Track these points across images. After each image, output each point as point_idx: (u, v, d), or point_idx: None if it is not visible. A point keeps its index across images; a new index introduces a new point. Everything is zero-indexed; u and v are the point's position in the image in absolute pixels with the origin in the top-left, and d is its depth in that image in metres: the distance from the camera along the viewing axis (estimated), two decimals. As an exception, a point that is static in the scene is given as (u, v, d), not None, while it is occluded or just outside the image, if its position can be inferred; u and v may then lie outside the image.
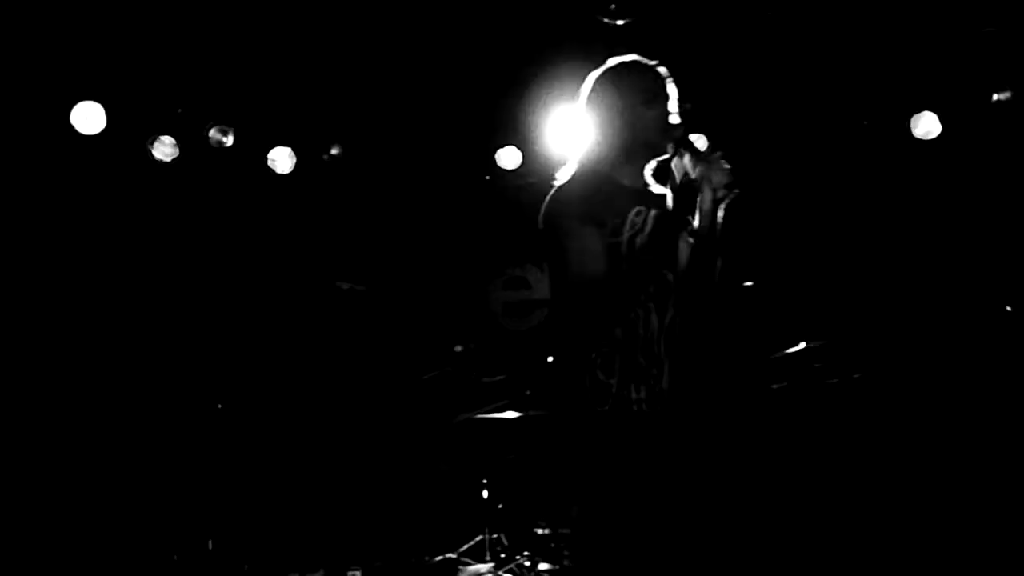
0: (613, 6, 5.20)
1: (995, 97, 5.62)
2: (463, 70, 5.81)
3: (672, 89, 2.85)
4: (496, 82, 5.95)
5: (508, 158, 6.17)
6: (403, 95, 5.95)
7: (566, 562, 5.12)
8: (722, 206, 2.67)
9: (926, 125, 5.74)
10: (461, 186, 6.43)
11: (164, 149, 5.94)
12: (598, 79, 2.90)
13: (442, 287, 6.56)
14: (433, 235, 6.53)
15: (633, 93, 2.82)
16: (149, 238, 6.11)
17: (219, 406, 5.72)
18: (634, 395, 2.69)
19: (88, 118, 5.54)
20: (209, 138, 5.95)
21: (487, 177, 6.29)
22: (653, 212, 2.77)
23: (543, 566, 5.16)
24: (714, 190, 2.66)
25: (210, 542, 5.40)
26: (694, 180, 2.70)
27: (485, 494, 5.45)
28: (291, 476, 6.00)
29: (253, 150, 6.07)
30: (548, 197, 2.90)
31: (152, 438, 5.78)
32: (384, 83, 5.87)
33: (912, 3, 5.24)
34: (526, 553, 5.27)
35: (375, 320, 6.39)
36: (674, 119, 2.83)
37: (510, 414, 5.46)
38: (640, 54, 2.93)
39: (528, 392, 5.45)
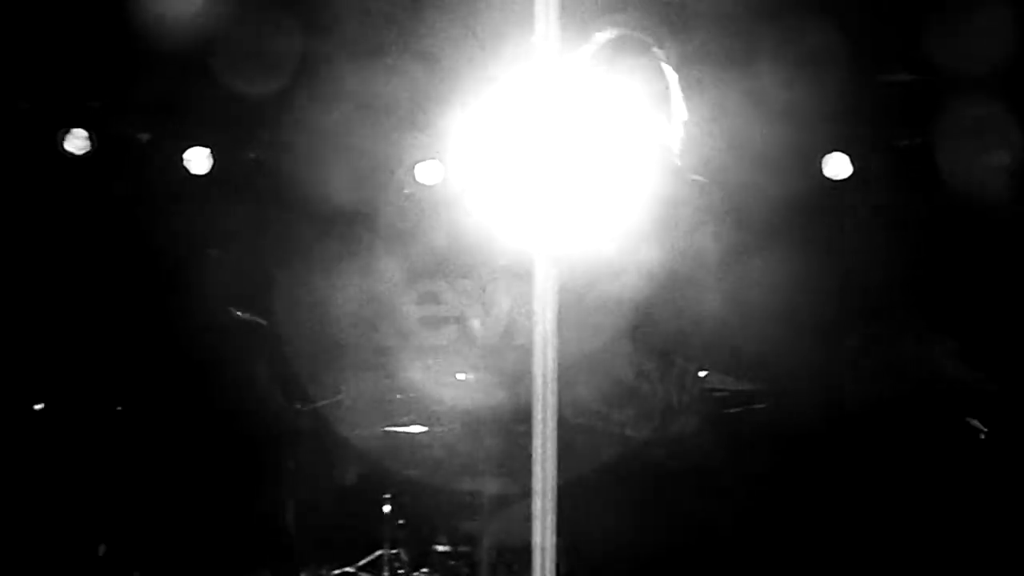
0: None
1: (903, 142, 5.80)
2: (384, 78, 5.81)
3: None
4: (419, 94, 5.95)
5: (428, 173, 6.17)
6: (321, 105, 5.92)
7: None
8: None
9: (836, 165, 5.89)
10: (378, 199, 6.40)
11: (76, 142, 5.83)
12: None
13: (353, 300, 6.51)
14: (349, 248, 6.48)
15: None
16: (54, 232, 5.98)
17: (118, 408, 5.62)
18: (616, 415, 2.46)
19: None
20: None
21: (406, 191, 6.28)
22: None
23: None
24: None
25: (101, 548, 5.30)
26: None
27: (387, 509, 5.42)
28: (188, 484, 5.90)
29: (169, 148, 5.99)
30: None
31: (45, 441, 5.63)
32: (304, 92, 5.84)
33: (825, 44, 5.38)
34: (424, 570, 5.26)
35: (284, 329, 6.32)
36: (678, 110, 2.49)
37: (416, 428, 5.44)
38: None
39: (433, 408, 5.45)
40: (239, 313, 5.80)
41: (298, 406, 5.67)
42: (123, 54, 5.54)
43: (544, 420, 2.94)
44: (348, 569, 5.38)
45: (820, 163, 5.94)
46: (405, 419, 5.54)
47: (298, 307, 6.36)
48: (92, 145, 5.78)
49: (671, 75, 2.53)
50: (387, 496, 5.43)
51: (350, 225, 6.43)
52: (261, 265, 6.34)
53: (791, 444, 5.77)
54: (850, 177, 5.92)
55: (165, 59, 5.57)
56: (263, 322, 5.93)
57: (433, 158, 6.11)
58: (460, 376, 5.79)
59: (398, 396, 5.80)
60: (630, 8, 2.68)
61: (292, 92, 5.89)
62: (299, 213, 6.35)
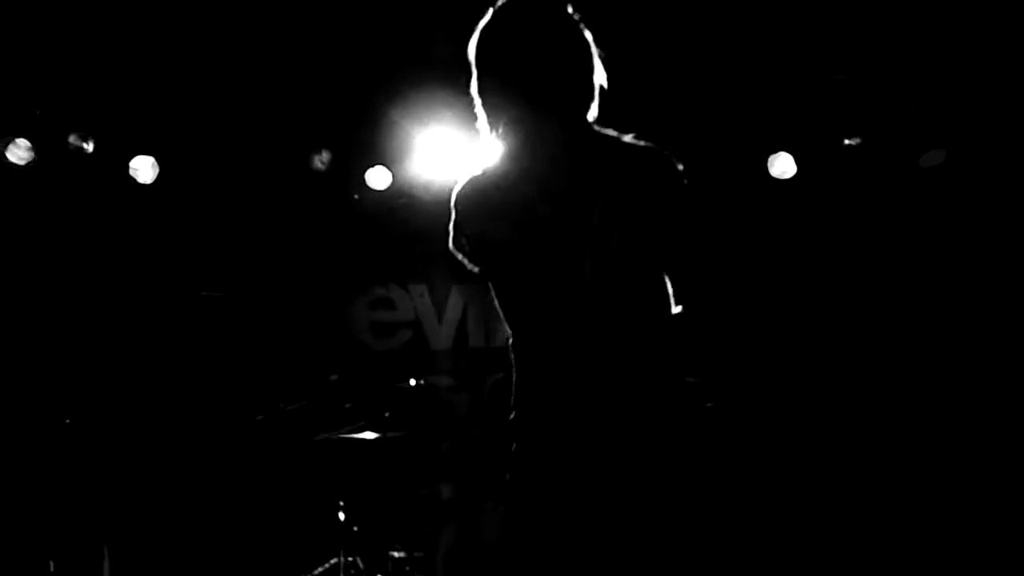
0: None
1: (846, 142, 5.89)
2: (335, 85, 5.80)
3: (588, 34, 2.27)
4: (367, 101, 5.95)
5: (377, 178, 6.16)
6: (270, 110, 5.90)
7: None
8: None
9: (782, 165, 5.96)
10: (329, 205, 6.38)
11: (19, 152, 5.74)
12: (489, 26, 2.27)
13: (307, 305, 6.48)
14: (299, 253, 6.45)
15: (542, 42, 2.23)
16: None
17: (67, 421, 5.54)
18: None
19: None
20: (69, 144, 5.78)
21: (356, 196, 6.26)
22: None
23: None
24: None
25: (51, 564, 5.23)
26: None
27: (342, 516, 5.40)
28: (141, 495, 5.84)
29: (114, 158, 5.92)
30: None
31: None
32: (253, 94, 5.81)
33: (769, 47, 5.46)
34: (379, 576, 5.26)
35: (237, 336, 6.28)
36: (599, 76, 2.26)
37: (368, 435, 5.43)
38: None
39: (387, 414, 5.44)
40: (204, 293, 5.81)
41: (257, 415, 5.64)
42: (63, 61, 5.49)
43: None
44: (304, 577, 5.36)
45: (765, 163, 6.02)
46: (358, 425, 5.52)
47: (251, 317, 6.33)
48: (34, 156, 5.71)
49: (588, 37, 2.25)
50: (341, 503, 5.41)
51: (299, 230, 6.40)
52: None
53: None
54: (795, 177, 6.01)
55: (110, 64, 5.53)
56: (221, 295, 5.92)
57: (380, 163, 6.10)
58: (412, 381, 5.79)
59: (347, 404, 5.78)
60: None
61: (238, 99, 5.86)
62: (251, 218, 6.32)
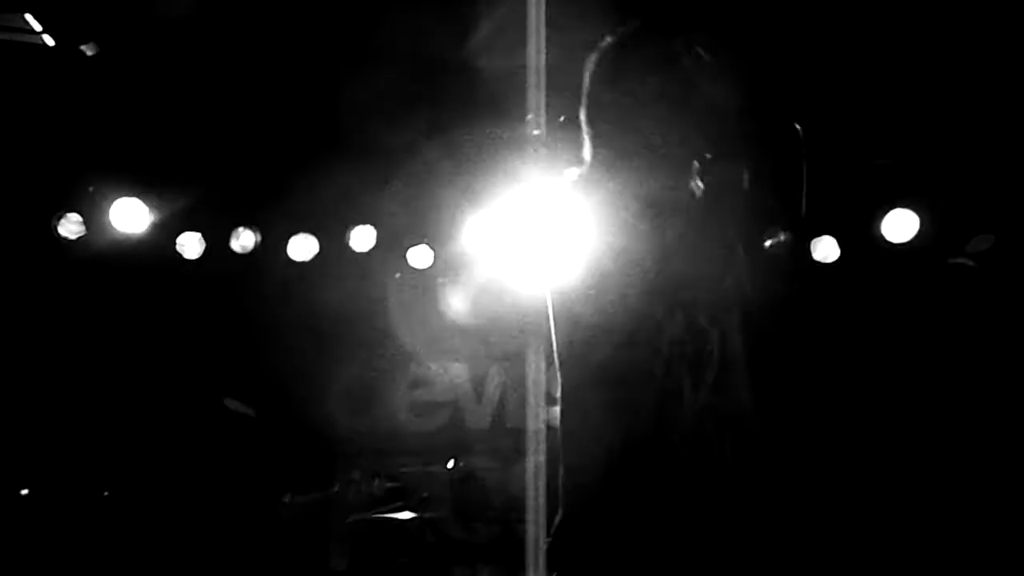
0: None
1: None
2: (376, 164, 5.87)
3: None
4: (411, 181, 6.01)
5: (419, 257, 6.19)
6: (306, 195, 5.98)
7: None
8: None
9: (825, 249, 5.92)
10: (370, 281, 6.41)
11: (70, 227, 5.86)
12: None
13: (346, 383, 6.48)
14: (343, 332, 6.47)
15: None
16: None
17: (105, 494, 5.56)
18: None
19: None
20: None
21: (397, 274, 6.29)
22: None
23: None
24: None
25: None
26: None
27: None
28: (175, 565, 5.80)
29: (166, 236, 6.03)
30: None
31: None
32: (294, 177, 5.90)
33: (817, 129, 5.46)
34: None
35: (272, 414, 6.28)
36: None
37: (405, 515, 5.38)
38: None
39: (425, 495, 5.39)
40: (231, 402, 5.78)
41: (287, 498, 5.60)
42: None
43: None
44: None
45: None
46: (396, 505, 5.47)
47: (290, 393, 6.34)
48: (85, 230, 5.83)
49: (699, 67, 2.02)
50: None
51: (341, 310, 6.43)
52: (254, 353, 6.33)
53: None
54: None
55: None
56: (251, 412, 5.90)
57: (424, 242, 6.13)
58: (451, 463, 5.75)
59: (388, 484, 5.74)
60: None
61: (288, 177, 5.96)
62: (289, 302, 6.36)
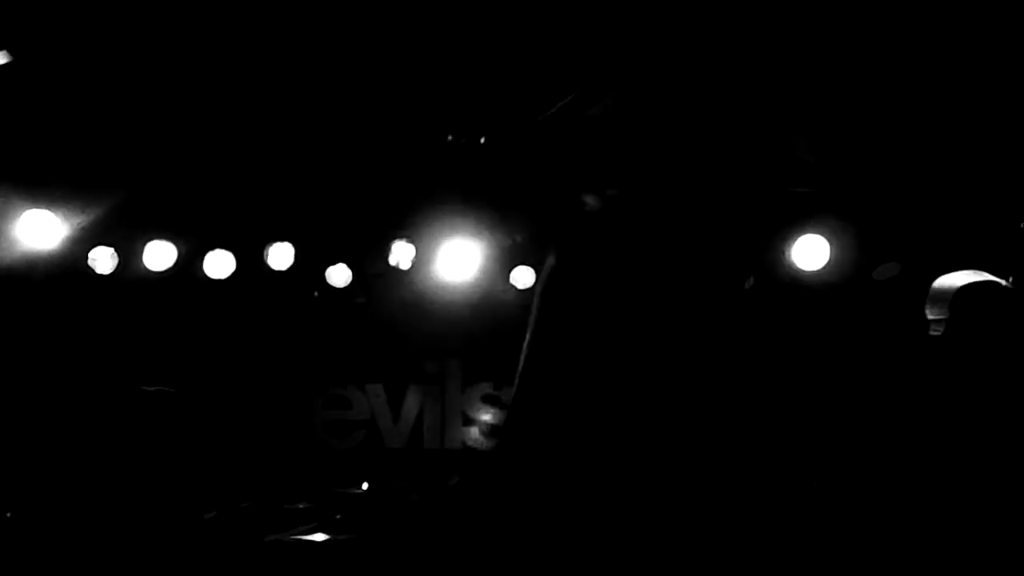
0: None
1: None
2: (300, 177, 5.85)
3: None
4: (330, 196, 5.99)
5: (338, 276, 6.16)
6: (229, 201, 5.93)
7: None
8: None
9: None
10: (287, 301, 6.36)
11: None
12: None
13: (262, 403, 6.41)
14: (255, 350, 6.41)
15: None
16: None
17: (7, 514, 5.40)
18: None
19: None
20: None
21: (315, 294, 6.25)
22: None
23: None
24: None
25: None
26: None
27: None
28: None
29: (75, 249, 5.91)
30: None
31: None
32: (210, 184, 5.85)
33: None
34: None
35: (189, 432, 6.18)
36: None
37: (319, 536, 5.32)
38: None
39: (339, 516, 5.35)
40: (149, 388, 5.69)
41: (205, 514, 5.51)
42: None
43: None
44: None
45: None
46: (309, 526, 5.42)
47: (205, 413, 6.24)
48: None
49: None
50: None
51: (256, 326, 6.37)
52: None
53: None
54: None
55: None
56: (171, 390, 5.81)
57: (342, 261, 6.11)
58: (365, 485, 5.72)
59: (300, 505, 5.68)
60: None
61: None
62: (208, 313, 6.28)
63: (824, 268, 6.01)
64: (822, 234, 5.99)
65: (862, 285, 6.12)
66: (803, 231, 6.01)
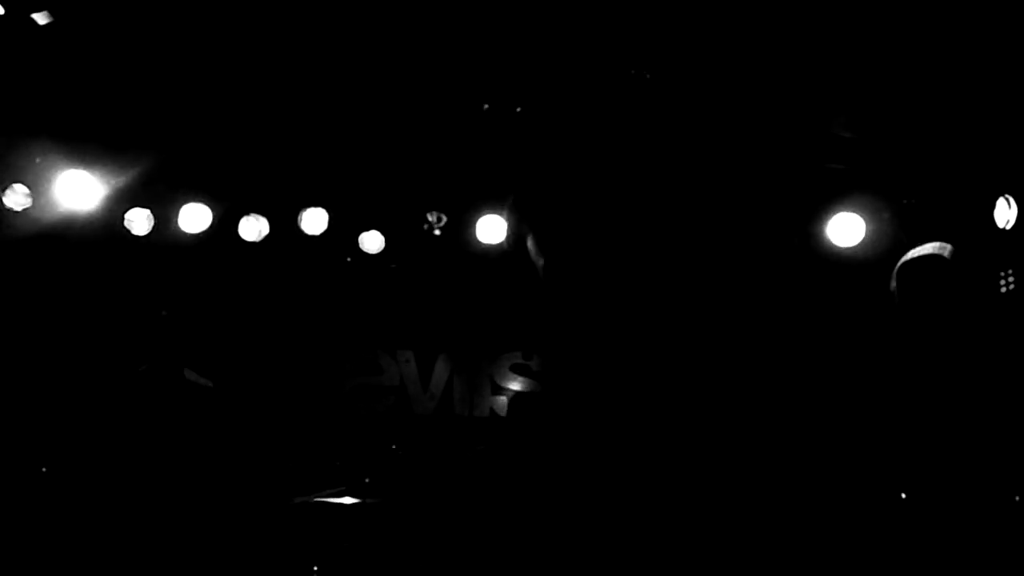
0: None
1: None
2: (329, 146, 5.86)
3: None
4: (363, 164, 6.00)
5: (371, 241, 6.18)
6: (264, 165, 5.95)
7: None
8: None
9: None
10: (322, 267, 6.39)
11: (16, 198, 5.78)
12: None
13: (293, 367, 6.46)
14: (287, 314, 6.44)
15: None
16: None
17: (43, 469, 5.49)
18: None
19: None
20: None
21: (348, 259, 6.27)
22: None
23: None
24: None
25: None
26: None
27: (315, 581, 5.32)
28: (119, 553, 5.75)
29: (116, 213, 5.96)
30: None
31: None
32: (245, 151, 5.87)
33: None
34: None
35: (212, 402, 6.24)
36: None
37: (347, 500, 5.37)
38: None
39: (367, 479, 5.39)
40: (189, 374, 5.73)
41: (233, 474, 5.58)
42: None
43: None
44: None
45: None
46: (338, 489, 5.47)
47: (240, 376, 6.30)
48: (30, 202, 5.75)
49: None
50: (315, 568, 5.33)
51: (288, 291, 6.40)
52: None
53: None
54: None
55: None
56: (209, 384, 5.86)
57: (374, 228, 6.12)
58: (393, 447, 5.75)
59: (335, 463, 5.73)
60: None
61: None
62: (238, 277, 6.32)
63: (859, 245, 5.95)
64: (858, 212, 5.93)
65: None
66: (838, 208, 5.96)
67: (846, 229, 5.96)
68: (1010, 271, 6.23)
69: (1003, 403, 6.27)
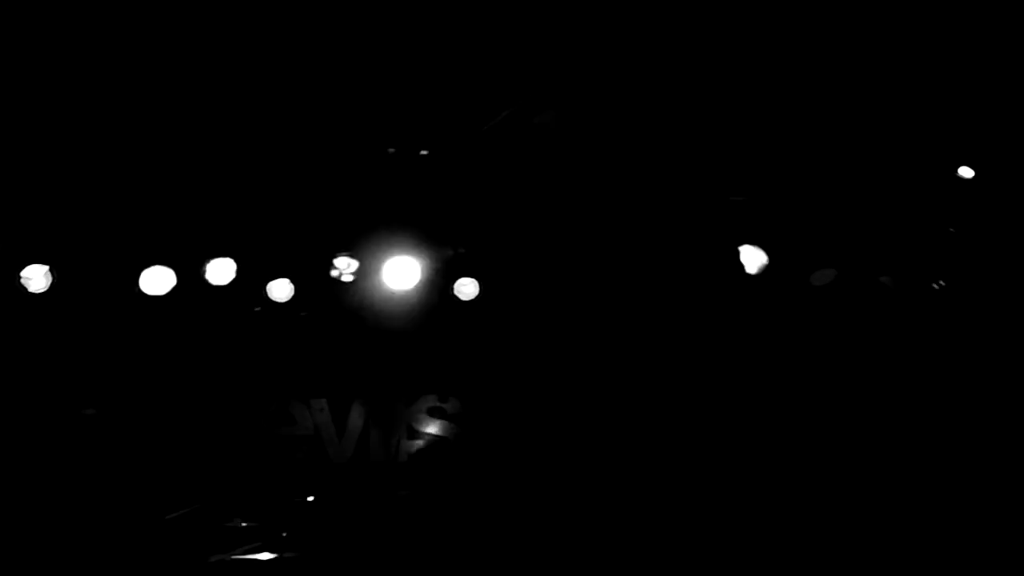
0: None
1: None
2: (240, 190, 5.80)
3: None
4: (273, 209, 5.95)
5: (279, 290, 6.10)
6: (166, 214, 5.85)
7: None
8: None
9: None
10: (230, 317, 6.29)
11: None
12: None
13: (205, 418, 6.32)
14: (197, 366, 6.31)
15: None
16: None
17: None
18: None
19: None
20: None
21: (256, 309, 6.18)
22: None
23: None
24: None
25: None
26: None
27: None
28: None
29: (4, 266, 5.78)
30: None
31: None
32: (147, 199, 5.77)
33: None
34: None
35: (127, 456, 6.07)
36: None
37: (264, 555, 5.27)
38: None
39: (284, 533, 5.30)
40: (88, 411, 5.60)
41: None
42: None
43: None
44: None
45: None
46: (254, 545, 5.35)
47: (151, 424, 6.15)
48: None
49: None
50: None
51: (198, 341, 6.28)
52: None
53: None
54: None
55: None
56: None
57: (284, 276, 6.05)
58: (310, 498, 5.66)
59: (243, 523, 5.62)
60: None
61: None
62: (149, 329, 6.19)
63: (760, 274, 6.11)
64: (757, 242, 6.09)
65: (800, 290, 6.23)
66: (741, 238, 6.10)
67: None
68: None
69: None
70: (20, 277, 5.81)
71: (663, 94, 5.21)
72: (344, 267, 5.92)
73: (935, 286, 6.20)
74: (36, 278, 5.83)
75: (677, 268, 6.02)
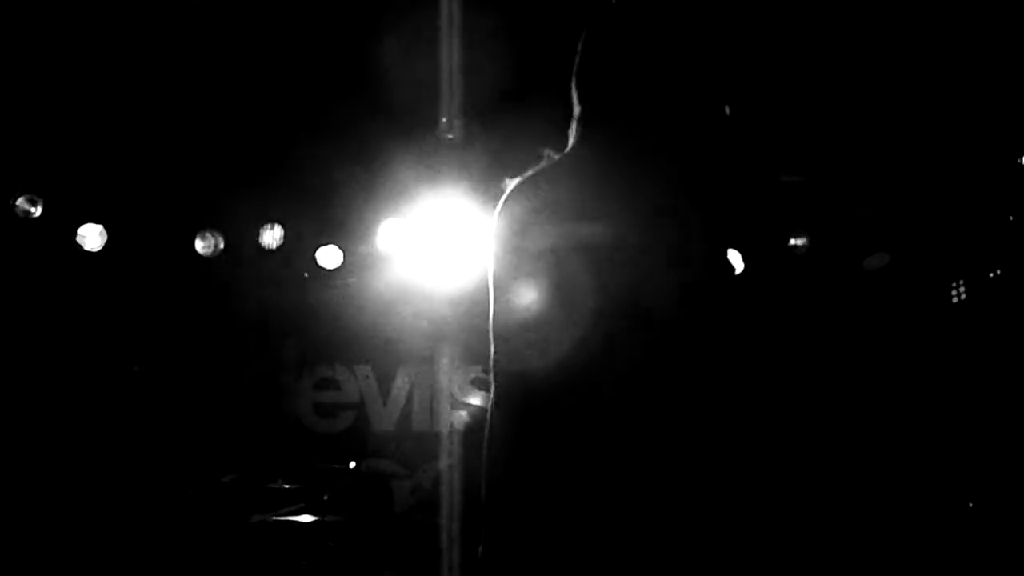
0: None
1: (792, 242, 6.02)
2: (288, 158, 5.83)
3: None
4: (322, 176, 5.97)
5: (328, 257, 6.13)
6: (219, 181, 5.89)
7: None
8: None
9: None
10: (278, 281, 6.33)
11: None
12: None
13: (250, 383, 6.39)
14: (245, 329, 6.38)
15: None
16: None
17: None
18: None
19: None
20: (16, 207, 5.72)
21: (305, 274, 6.22)
22: None
23: None
24: None
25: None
26: None
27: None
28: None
29: (62, 224, 5.86)
30: None
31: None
32: (202, 167, 5.81)
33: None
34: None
35: (173, 416, 6.16)
36: None
37: (306, 518, 5.32)
38: None
39: (326, 497, 5.35)
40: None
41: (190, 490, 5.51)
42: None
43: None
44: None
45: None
46: (296, 507, 5.41)
47: (191, 393, 6.22)
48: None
49: None
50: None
51: (246, 305, 6.34)
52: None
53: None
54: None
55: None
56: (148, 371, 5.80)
57: (332, 243, 6.08)
58: (352, 464, 5.71)
59: (286, 485, 5.67)
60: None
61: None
62: (195, 292, 6.26)
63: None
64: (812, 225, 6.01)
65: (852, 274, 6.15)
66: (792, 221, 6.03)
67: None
68: (961, 281, 6.33)
69: (954, 410, 6.35)
70: (76, 235, 5.90)
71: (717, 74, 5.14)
72: (393, 236, 5.93)
73: (991, 275, 6.08)
74: (91, 236, 5.92)
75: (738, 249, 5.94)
